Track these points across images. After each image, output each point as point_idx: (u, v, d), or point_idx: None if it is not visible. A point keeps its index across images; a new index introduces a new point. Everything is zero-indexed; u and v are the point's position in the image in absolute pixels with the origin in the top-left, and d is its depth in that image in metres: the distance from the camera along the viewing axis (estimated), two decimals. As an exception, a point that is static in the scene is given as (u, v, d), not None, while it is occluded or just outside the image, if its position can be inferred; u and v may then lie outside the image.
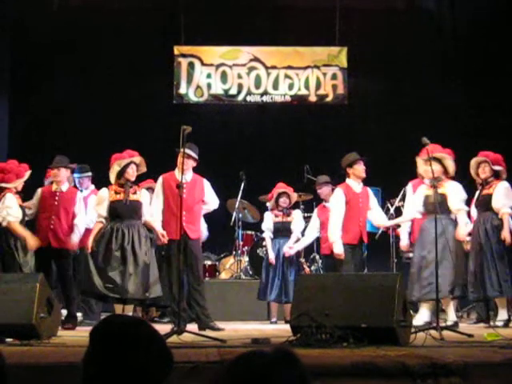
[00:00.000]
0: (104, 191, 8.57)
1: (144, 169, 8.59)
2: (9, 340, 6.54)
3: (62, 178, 9.31)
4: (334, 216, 8.83)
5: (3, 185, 8.97)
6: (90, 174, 10.19)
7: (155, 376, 2.19)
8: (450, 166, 8.81)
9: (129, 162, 8.47)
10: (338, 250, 8.69)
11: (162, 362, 2.23)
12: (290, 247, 10.16)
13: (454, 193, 8.79)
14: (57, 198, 9.24)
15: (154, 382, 2.19)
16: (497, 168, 9.02)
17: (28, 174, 9.07)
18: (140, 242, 8.33)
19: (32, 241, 8.67)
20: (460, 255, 8.80)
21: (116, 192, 8.49)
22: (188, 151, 8.35)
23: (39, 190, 9.43)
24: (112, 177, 8.50)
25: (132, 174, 8.50)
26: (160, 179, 8.65)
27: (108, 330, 2.27)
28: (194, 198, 8.63)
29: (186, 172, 8.16)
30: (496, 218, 8.91)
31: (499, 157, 9.13)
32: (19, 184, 9.03)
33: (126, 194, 8.44)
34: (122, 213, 8.43)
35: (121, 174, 8.47)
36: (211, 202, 8.86)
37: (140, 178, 8.92)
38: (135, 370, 2.15)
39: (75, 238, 9.16)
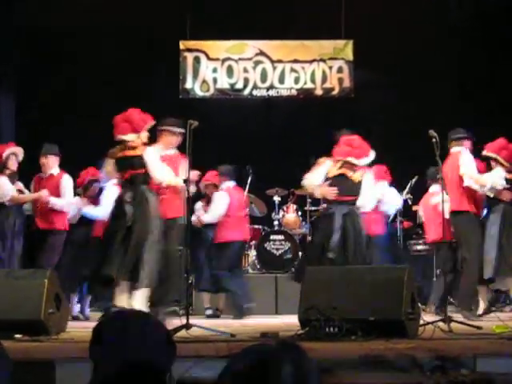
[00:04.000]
0: None
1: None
2: (18, 336, 6.54)
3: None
4: None
5: None
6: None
7: (158, 366, 2.23)
8: None
9: None
10: None
11: (165, 352, 2.26)
12: None
13: None
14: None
15: (158, 372, 2.22)
16: None
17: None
18: None
19: None
20: None
21: None
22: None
23: None
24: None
25: None
26: None
27: (110, 325, 2.29)
28: None
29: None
30: None
31: None
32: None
33: None
34: None
35: None
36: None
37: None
38: (138, 363, 2.18)
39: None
